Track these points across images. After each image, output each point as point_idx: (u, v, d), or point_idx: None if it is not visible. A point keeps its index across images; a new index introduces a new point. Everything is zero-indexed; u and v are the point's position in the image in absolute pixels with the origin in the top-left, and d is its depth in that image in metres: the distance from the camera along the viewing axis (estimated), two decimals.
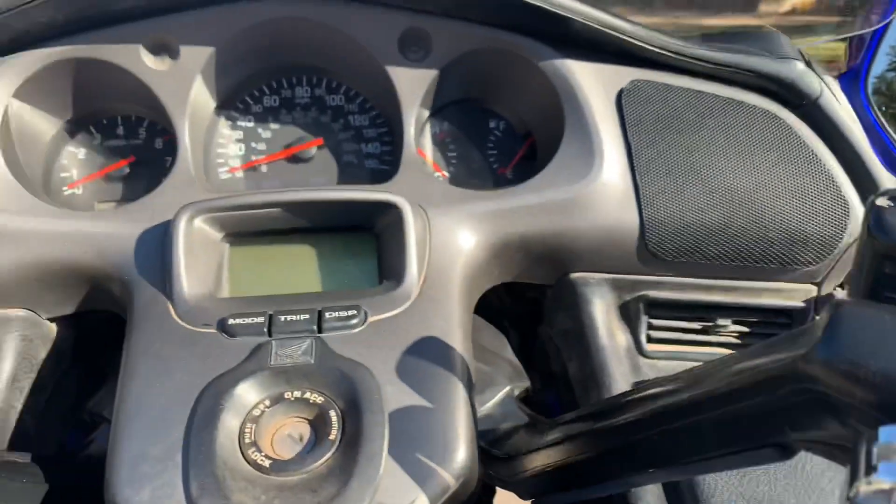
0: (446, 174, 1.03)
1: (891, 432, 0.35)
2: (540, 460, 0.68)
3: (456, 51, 0.94)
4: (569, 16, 0.88)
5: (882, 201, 0.47)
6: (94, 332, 1.03)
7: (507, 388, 0.89)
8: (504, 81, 1.00)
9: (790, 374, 0.43)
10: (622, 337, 0.93)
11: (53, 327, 0.91)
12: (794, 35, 1.04)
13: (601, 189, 0.88)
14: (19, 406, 0.85)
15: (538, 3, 0.87)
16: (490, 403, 0.84)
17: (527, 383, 0.94)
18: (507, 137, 1.04)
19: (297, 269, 0.84)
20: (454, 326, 0.76)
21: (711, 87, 0.95)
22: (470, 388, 0.72)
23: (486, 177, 1.03)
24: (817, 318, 0.43)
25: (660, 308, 0.94)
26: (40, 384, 0.88)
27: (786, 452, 0.48)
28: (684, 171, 0.89)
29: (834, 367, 0.39)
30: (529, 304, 1.09)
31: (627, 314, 0.94)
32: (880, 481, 0.34)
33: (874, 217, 0.46)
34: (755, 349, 0.49)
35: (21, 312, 0.86)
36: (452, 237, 0.85)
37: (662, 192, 0.88)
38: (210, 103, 0.97)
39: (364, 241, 0.86)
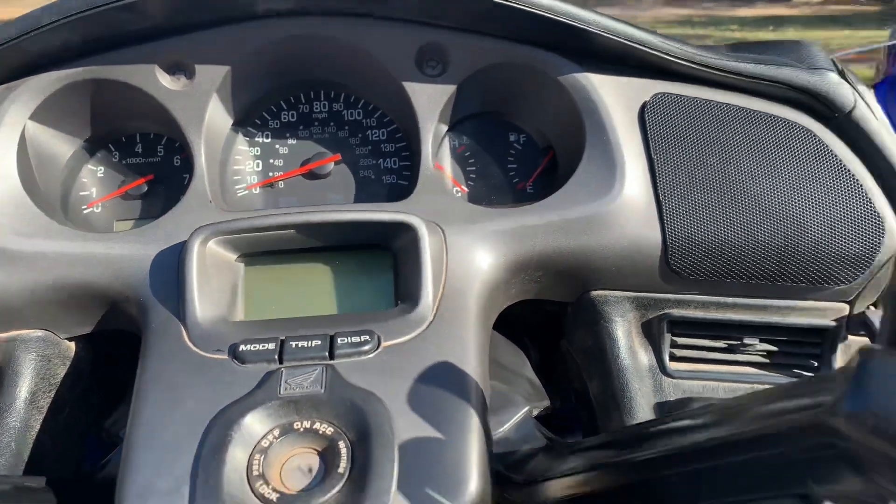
0: (466, 189, 1.01)
1: None
2: (558, 488, 0.65)
3: (474, 65, 0.92)
4: (590, 29, 0.85)
5: None
6: (113, 349, 1.03)
7: (526, 409, 0.87)
8: (523, 95, 0.97)
9: (814, 425, 0.40)
10: (644, 356, 0.91)
11: (72, 346, 0.91)
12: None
13: (622, 206, 0.85)
14: (37, 426, 0.85)
15: (558, 18, 0.84)
16: (508, 425, 0.82)
17: (546, 402, 0.92)
18: (529, 151, 1.02)
19: (312, 289, 0.83)
20: (470, 350, 0.74)
21: (740, 99, 0.91)
22: (484, 414, 0.70)
23: (506, 191, 1.01)
24: (844, 365, 0.40)
25: (683, 326, 0.91)
26: (59, 403, 0.89)
27: None
28: (709, 187, 0.86)
29: (861, 421, 0.37)
30: (550, 317, 1.07)
31: (650, 333, 0.92)
32: None
33: None
34: (781, 390, 0.46)
35: (39, 333, 0.87)
36: (470, 256, 0.83)
37: (686, 209, 0.86)
38: (227, 121, 0.97)
39: (380, 260, 0.85)
